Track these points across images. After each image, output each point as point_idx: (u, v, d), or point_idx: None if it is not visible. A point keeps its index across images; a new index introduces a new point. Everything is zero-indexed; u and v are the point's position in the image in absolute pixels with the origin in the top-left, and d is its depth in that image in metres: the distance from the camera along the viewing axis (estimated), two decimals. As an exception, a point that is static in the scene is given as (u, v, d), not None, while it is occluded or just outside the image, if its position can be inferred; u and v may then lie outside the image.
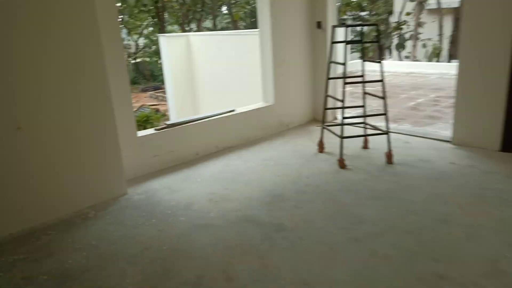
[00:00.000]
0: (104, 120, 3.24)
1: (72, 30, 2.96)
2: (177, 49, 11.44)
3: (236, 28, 20.69)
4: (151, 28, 21.32)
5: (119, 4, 17.20)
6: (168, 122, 4.12)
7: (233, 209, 3.14)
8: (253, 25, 22.23)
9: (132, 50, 21.76)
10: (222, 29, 22.85)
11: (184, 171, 3.97)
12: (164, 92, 16.89)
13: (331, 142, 4.35)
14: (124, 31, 20.08)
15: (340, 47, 4.19)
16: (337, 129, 4.08)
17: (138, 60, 21.14)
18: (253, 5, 21.80)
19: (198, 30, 21.04)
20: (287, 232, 2.77)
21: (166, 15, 20.12)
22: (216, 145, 4.53)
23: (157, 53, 19.38)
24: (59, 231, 2.92)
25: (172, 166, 4.09)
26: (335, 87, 5.31)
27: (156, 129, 3.99)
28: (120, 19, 19.65)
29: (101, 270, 2.45)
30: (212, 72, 10.68)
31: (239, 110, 4.84)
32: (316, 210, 3.08)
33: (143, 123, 14.20)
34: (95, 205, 3.27)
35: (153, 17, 20.01)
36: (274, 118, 5.16)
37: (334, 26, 4.12)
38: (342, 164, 3.86)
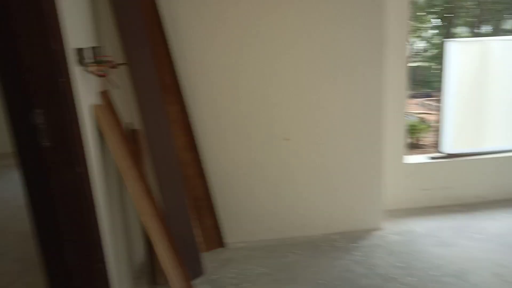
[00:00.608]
0: (371, 138, 2.81)
1: (356, 34, 2.63)
2: (468, 57, 9.67)
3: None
4: (433, 31, 19.65)
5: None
6: (447, 151, 3.28)
7: (536, 305, 2.09)
8: None
9: (407, 54, 20.78)
10: (528, 30, 18.40)
11: (459, 218, 3.07)
12: (433, 101, 15.22)
13: None
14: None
15: None
16: None
17: (413, 64, 20.03)
18: None
19: (493, 33, 17.75)
20: None
21: (454, 16, 17.98)
22: (503, 190, 3.34)
23: (435, 58, 17.64)
24: (305, 252, 2.71)
25: (443, 206, 3.25)
26: None
27: (432, 157, 3.25)
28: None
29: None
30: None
31: (556, 147, 3.41)
32: None
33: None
34: (343, 233, 2.92)
35: (439, 19, 18.30)
36: None
37: None
38: None
